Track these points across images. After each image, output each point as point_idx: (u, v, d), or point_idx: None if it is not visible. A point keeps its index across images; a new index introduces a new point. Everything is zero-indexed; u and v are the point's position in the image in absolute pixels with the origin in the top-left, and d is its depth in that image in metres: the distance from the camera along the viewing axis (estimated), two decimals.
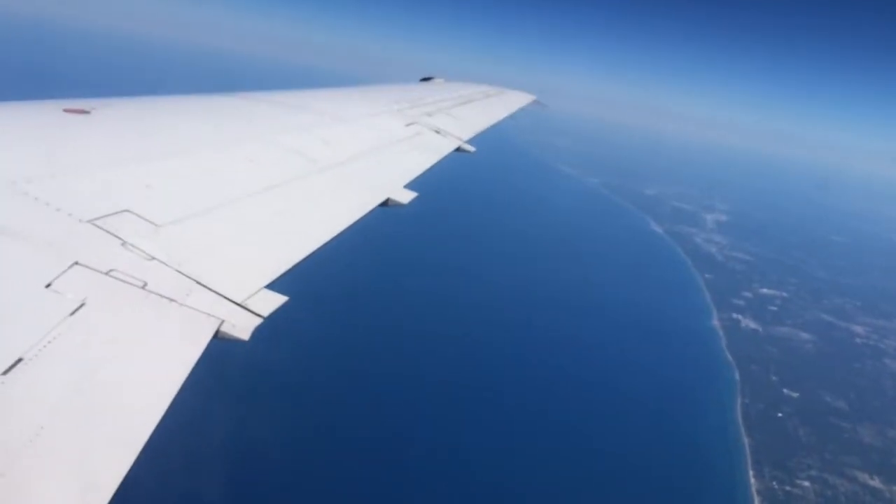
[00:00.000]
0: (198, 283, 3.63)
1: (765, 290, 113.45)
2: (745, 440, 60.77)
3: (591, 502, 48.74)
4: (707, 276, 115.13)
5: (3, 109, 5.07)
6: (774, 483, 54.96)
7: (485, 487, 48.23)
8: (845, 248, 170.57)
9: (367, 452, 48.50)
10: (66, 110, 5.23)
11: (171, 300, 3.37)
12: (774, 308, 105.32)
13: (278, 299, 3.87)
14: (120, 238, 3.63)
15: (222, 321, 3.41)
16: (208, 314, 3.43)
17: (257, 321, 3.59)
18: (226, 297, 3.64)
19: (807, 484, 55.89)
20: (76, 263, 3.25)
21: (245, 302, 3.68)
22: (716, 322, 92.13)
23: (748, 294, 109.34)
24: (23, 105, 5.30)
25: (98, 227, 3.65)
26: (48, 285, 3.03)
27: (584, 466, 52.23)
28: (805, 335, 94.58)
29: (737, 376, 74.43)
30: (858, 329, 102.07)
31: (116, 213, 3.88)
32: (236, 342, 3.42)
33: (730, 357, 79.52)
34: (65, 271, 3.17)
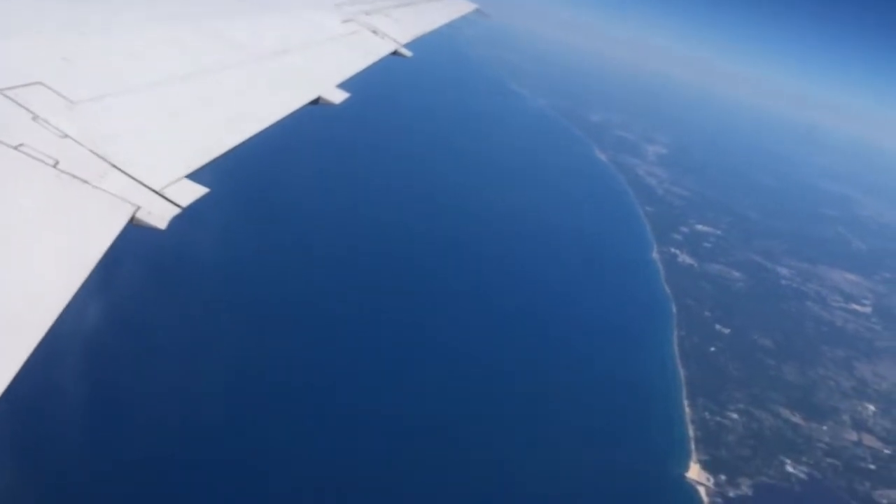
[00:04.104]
0: (113, 165, 3.45)
1: (700, 227, 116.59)
2: (681, 371, 63.48)
3: (531, 434, 49.24)
4: (648, 208, 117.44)
5: None
6: (707, 413, 57.73)
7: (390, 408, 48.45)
8: (774, 191, 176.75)
9: (275, 348, 48.01)
10: None
11: (84, 181, 3.19)
12: (709, 245, 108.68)
13: (199, 190, 3.75)
14: (31, 112, 3.40)
15: (138, 207, 3.26)
16: (123, 199, 3.26)
17: (175, 211, 3.47)
18: (143, 184, 3.47)
19: (735, 416, 58.96)
20: None
21: (163, 190, 3.53)
22: (656, 255, 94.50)
23: (685, 229, 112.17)
24: None
25: (7, 97, 3.39)
26: None
27: (520, 395, 53.03)
28: (736, 273, 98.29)
29: (674, 309, 76.98)
30: (784, 271, 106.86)
31: (28, 84, 3.61)
32: (152, 230, 3.30)
33: (668, 290, 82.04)
34: None
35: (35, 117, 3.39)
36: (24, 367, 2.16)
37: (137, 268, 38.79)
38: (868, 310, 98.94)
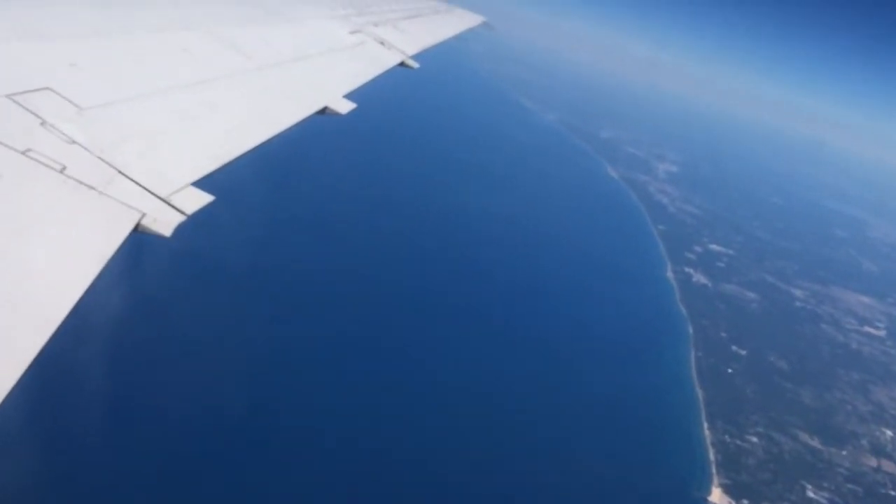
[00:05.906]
0: (120, 172, 3.49)
1: (713, 246, 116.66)
2: (699, 392, 63.39)
3: (548, 456, 49.19)
4: (661, 227, 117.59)
5: None
6: (727, 436, 57.73)
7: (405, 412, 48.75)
8: (783, 210, 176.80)
9: (279, 355, 48.30)
10: None
11: (91, 188, 3.23)
12: (722, 265, 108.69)
13: (204, 198, 3.78)
14: (40, 117, 3.43)
15: (143, 215, 3.31)
16: (129, 206, 3.31)
17: (181, 218, 3.52)
18: (149, 191, 3.52)
19: (755, 440, 58.88)
20: None
21: (169, 197, 3.57)
22: (670, 274, 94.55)
23: (699, 248, 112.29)
24: None
25: (17, 102, 3.43)
26: None
27: (536, 417, 52.98)
28: (750, 294, 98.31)
29: (690, 330, 76.99)
30: (797, 292, 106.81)
31: (37, 90, 3.65)
32: (157, 237, 3.33)
33: (683, 310, 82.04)
34: None
35: (43, 122, 3.43)
36: (26, 373, 2.18)
37: (142, 275, 38.85)
38: (882, 333, 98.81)
